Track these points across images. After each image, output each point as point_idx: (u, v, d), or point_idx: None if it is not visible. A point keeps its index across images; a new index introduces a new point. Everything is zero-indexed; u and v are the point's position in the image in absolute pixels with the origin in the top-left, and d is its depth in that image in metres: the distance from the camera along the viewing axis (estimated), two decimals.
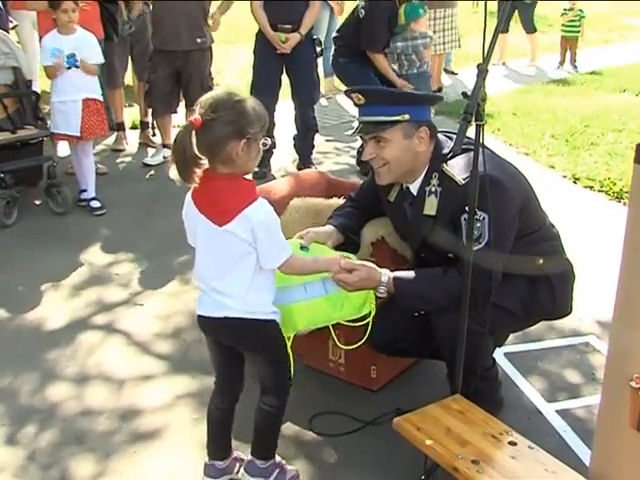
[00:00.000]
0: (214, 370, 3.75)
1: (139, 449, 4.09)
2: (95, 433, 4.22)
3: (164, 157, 8.72)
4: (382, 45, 7.99)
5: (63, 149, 8.53)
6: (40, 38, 8.24)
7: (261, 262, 3.32)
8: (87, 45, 7.22)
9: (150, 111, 8.99)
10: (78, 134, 7.18)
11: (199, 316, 3.55)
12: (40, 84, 9.50)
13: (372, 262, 4.20)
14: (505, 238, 3.69)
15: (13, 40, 7.84)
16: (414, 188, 3.94)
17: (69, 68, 7.12)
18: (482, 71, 3.31)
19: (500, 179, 3.65)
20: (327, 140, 9.67)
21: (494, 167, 3.65)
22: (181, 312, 5.47)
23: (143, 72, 8.78)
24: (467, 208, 3.43)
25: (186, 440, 4.15)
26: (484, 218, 3.56)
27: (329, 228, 4.23)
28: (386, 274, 3.76)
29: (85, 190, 7.54)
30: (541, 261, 3.97)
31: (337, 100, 11.84)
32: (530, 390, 4.55)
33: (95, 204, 7.48)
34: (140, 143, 9.32)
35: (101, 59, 7.41)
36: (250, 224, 3.21)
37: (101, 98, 7.42)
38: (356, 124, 4.00)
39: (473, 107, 3.27)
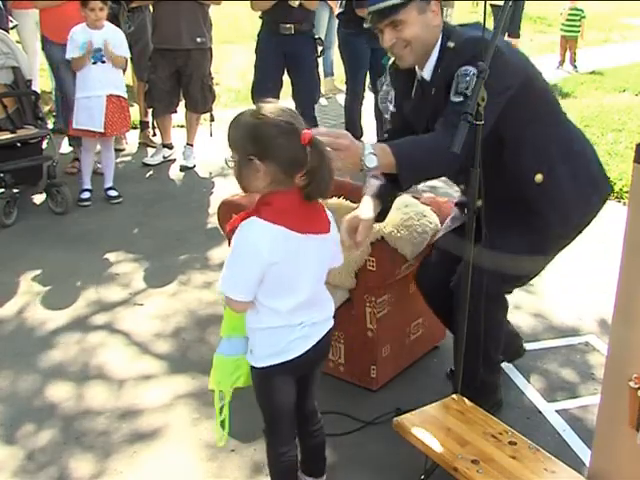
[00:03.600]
0: (283, 415, 3.37)
1: (139, 449, 4.09)
2: (95, 433, 4.22)
3: (164, 157, 8.74)
4: None
5: (64, 145, 8.55)
6: (42, 37, 8.28)
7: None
8: (115, 39, 7.31)
9: (150, 111, 8.99)
10: (102, 130, 7.23)
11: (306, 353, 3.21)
12: (40, 84, 9.52)
13: (372, 262, 4.22)
14: (491, 102, 3.45)
15: (13, 40, 7.84)
16: (427, 73, 3.89)
17: (94, 63, 7.18)
18: (482, 71, 3.31)
19: (503, 50, 3.58)
20: None
21: (501, 43, 3.59)
22: (181, 312, 5.47)
23: (143, 72, 8.79)
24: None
25: (186, 440, 4.15)
26: (473, 74, 3.47)
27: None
28: (369, 143, 3.54)
29: (86, 190, 7.60)
30: (540, 177, 3.84)
31: (337, 100, 11.83)
32: (530, 390, 4.55)
33: (112, 193, 7.64)
34: (140, 143, 9.33)
35: (128, 54, 7.48)
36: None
37: (125, 95, 7.47)
38: (367, 22, 3.93)
39: (473, 107, 3.27)
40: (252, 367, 3.20)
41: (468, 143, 3.28)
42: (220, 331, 3.31)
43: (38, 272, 6.13)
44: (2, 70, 7.61)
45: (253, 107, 2.97)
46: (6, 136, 7.18)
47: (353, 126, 8.71)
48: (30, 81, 7.75)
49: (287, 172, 2.90)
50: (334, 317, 3.35)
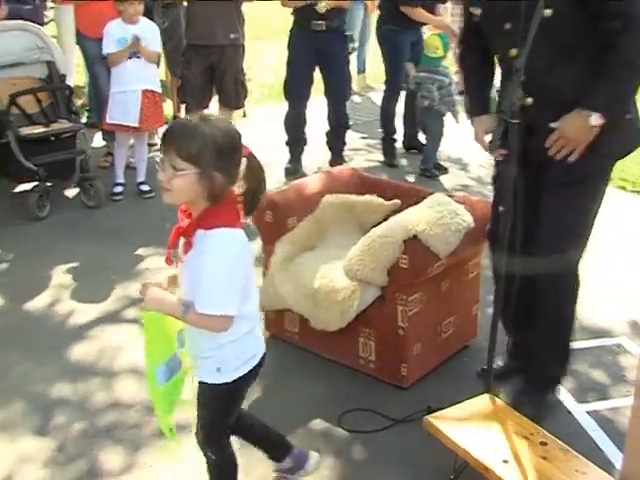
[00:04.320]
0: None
1: (168, 442, 4.09)
2: (125, 426, 4.24)
3: None
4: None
5: (97, 139, 8.58)
6: (77, 32, 8.32)
7: None
8: (150, 34, 7.35)
9: (183, 106, 9.01)
10: (136, 125, 7.28)
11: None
12: (75, 79, 9.56)
13: (404, 260, 4.21)
14: None
15: (48, 34, 7.88)
16: None
17: (130, 58, 7.22)
18: (518, 69, 3.30)
19: None
20: (359, 137, 9.65)
21: None
22: None
23: (176, 67, 8.80)
24: None
25: None
26: None
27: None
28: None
29: (119, 184, 7.64)
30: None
31: (369, 97, 11.81)
32: (561, 390, 4.51)
33: (144, 188, 7.71)
34: None
35: (160, 49, 7.51)
36: None
37: (159, 90, 7.50)
38: None
39: (508, 106, 3.25)
40: (217, 385, 3.09)
41: None
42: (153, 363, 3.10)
43: (70, 265, 6.16)
44: (37, 64, 7.66)
45: (198, 116, 2.85)
46: (40, 130, 7.20)
47: (388, 122, 8.72)
48: (64, 76, 7.77)
49: (232, 184, 2.89)
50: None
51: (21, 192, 7.45)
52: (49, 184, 7.17)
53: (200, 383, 3.16)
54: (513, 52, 3.67)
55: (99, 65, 7.98)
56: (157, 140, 9.03)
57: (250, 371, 3.13)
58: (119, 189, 7.61)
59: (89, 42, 8.10)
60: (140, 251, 6.42)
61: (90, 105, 9.51)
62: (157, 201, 7.49)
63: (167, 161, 2.82)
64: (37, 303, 5.57)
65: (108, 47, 7.31)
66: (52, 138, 7.32)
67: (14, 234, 6.77)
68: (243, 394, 3.26)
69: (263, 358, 3.20)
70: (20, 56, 7.56)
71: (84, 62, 8.86)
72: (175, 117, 9.31)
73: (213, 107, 8.71)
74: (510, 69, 3.51)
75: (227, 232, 2.84)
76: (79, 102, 9.84)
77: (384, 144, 8.87)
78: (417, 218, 4.38)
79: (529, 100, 3.63)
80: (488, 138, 3.97)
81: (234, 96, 8.49)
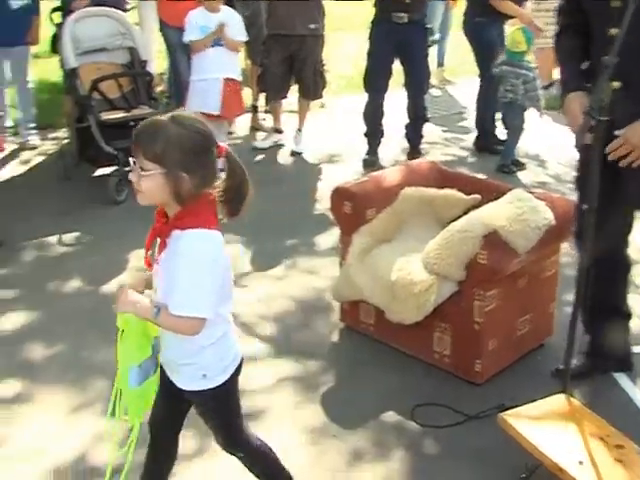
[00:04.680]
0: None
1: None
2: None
3: (274, 142, 8.77)
4: None
5: None
6: (160, 20, 8.40)
7: None
8: (233, 22, 7.39)
9: (262, 95, 9.05)
10: (218, 112, 7.33)
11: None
12: (155, 66, 9.64)
13: (483, 255, 4.17)
14: None
15: (130, 21, 7.96)
16: None
17: (212, 46, 7.27)
18: (607, 65, 3.24)
19: None
20: (436, 130, 9.59)
21: None
22: (285, 296, 5.50)
23: (256, 56, 8.84)
24: None
25: (288, 423, 4.18)
26: None
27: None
28: None
29: None
30: None
31: (448, 91, 11.73)
32: (637, 393, 4.44)
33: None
34: (251, 126, 9.37)
35: (245, 37, 7.54)
36: None
37: (240, 78, 7.55)
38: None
39: (597, 102, 3.20)
40: (205, 392, 3.02)
41: None
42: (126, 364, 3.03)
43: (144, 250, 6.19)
44: (119, 50, 7.76)
45: (168, 115, 2.78)
46: (121, 115, 7.29)
47: (487, 115, 8.66)
48: (145, 62, 7.85)
49: (207, 186, 2.81)
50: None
51: (100, 176, 7.54)
52: (128, 169, 7.21)
53: (186, 392, 3.06)
54: (613, 32, 3.60)
55: (180, 52, 8.07)
56: (234, 128, 9.10)
57: (234, 373, 3.07)
58: None
59: (171, 30, 8.20)
60: None
61: (170, 92, 9.59)
62: None
63: (136, 162, 2.79)
64: (112, 286, 5.63)
65: (191, 35, 7.36)
66: (132, 123, 7.37)
67: (92, 217, 6.87)
68: (236, 393, 3.15)
69: (242, 359, 3.14)
70: (103, 42, 7.69)
71: (166, 49, 8.95)
72: (254, 106, 9.35)
73: (292, 97, 8.74)
74: (600, 65, 3.44)
75: (202, 233, 2.77)
76: (159, 89, 9.93)
77: (478, 142, 8.80)
78: (497, 214, 4.34)
79: (616, 84, 3.58)
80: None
81: (313, 86, 8.51)
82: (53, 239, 6.46)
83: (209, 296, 2.79)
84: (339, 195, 4.86)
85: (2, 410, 4.34)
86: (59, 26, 7.86)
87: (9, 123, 9.04)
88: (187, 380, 3.03)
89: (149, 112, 7.41)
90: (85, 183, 7.60)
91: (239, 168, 2.86)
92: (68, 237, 6.50)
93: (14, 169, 8.10)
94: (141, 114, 7.36)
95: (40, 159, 8.40)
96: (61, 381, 4.59)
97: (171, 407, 3.23)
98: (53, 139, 8.95)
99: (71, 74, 7.51)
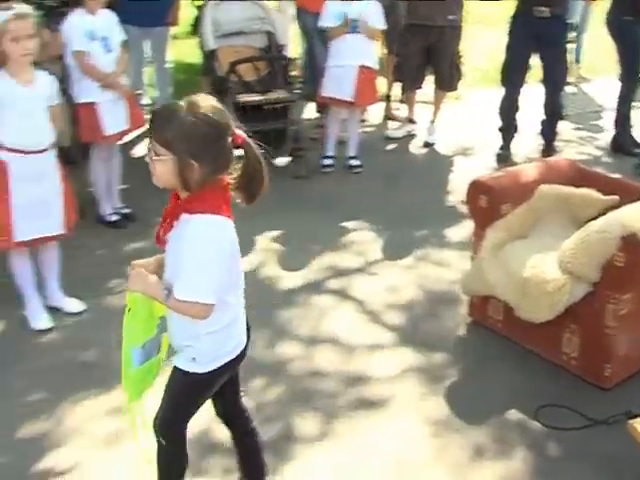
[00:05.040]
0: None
1: (362, 416, 4.12)
2: (321, 394, 4.29)
3: (407, 131, 8.73)
4: None
5: (310, 111, 8.69)
6: (297, 6, 8.44)
7: None
8: (373, 11, 7.37)
9: (396, 85, 9.02)
10: (351, 99, 7.34)
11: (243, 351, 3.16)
12: (290, 51, 9.69)
13: (620, 258, 4.06)
14: None
15: (269, 6, 8.02)
16: None
17: (350, 33, 7.28)
18: None
19: None
20: (571, 128, 9.40)
21: None
22: (414, 286, 5.47)
23: (393, 45, 8.80)
24: None
25: (411, 413, 4.16)
26: None
27: None
28: None
29: (329, 157, 7.70)
30: None
31: (583, 89, 11.49)
32: None
33: (354, 162, 7.71)
34: (384, 116, 9.34)
35: (384, 25, 7.52)
36: None
37: (376, 66, 7.54)
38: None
39: None
40: (189, 374, 3.01)
41: None
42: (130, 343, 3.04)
43: (276, 231, 6.29)
44: (257, 34, 7.83)
45: (186, 100, 2.77)
46: (257, 98, 7.34)
47: (626, 116, 8.47)
48: (283, 46, 7.90)
49: (218, 173, 2.81)
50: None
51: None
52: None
53: (174, 368, 3.06)
54: None
55: (317, 38, 8.08)
56: (367, 116, 9.08)
57: (226, 364, 3.04)
58: (329, 162, 7.68)
59: (308, 16, 8.21)
60: (346, 224, 6.46)
61: (304, 77, 9.63)
62: (365, 176, 7.53)
63: (151, 145, 2.79)
64: (244, 266, 5.67)
65: (326, 21, 7.37)
66: (267, 107, 7.44)
67: None
68: (213, 387, 3.12)
69: (243, 353, 3.11)
70: (243, 25, 7.78)
71: (301, 34, 8.98)
72: (388, 95, 9.31)
73: (427, 88, 8.68)
74: None
75: (209, 219, 2.77)
76: (293, 73, 9.98)
77: (615, 142, 8.59)
78: (637, 216, 4.22)
79: None
80: None
81: (448, 78, 8.45)
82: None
83: (212, 282, 2.80)
84: (475, 188, 4.81)
85: None
86: (200, 8, 7.97)
87: (147, 101, 9.20)
88: (181, 360, 3.04)
89: (284, 96, 7.48)
90: None
91: (254, 157, 2.88)
92: None
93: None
94: (277, 98, 7.44)
95: None
96: None
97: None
98: None
99: (210, 55, 7.63)
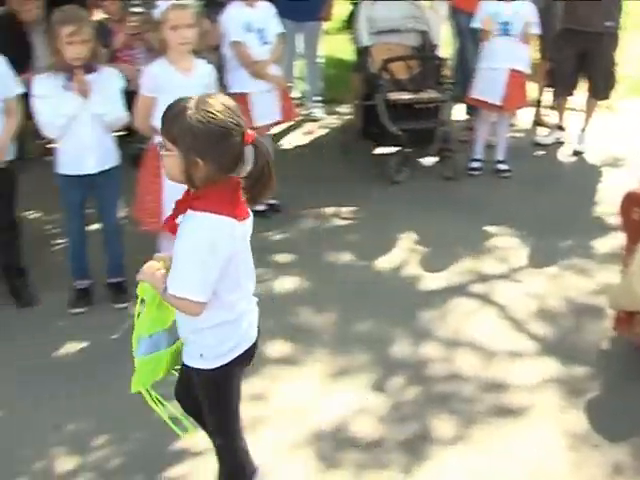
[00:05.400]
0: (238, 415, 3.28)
1: (500, 423, 4.07)
2: (458, 398, 4.26)
3: (556, 139, 8.57)
4: None
5: (460, 112, 8.63)
6: (452, 5, 8.38)
7: None
8: (527, 12, 7.28)
9: (547, 90, 8.87)
10: (499, 102, 7.26)
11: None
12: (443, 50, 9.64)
13: None
14: None
15: (425, 5, 7.99)
16: None
17: (501, 35, 7.21)
18: None
19: None
20: None
21: None
22: (558, 296, 5.35)
23: (547, 50, 8.65)
24: None
25: (549, 424, 4.08)
26: None
27: None
28: None
29: (477, 160, 7.62)
30: None
31: None
32: None
33: (502, 167, 7.62)
34: (534, 121, 9.20)
35: (538, 30, 7.44)
36: None
37: (528, 71, 7.45)
38: None
39: None
40: (202, 371, 3.06)
41: None
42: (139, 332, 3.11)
43: (419, 231, 6.25)
44: (411, 33, 7.83)
45: (197, 98, 2.78)
46: (408, 97, 7.32)
47: None
48: (436, 46, 7.88)
49: (226, 172, 2.81)
50: None
51: (379, 154, 7.62)
52: (409, 150, 7.28)
53: (186, 367, 3.13)
54: None
55: (469, 38, 8.00)
56: (517, 121, 8.96)
57: (234, 360, 3.05)
58: (477, 164, 7.60)
59: (462, 15, 8.14)
60: (490, 228, 6.37)
61: (455, 78, 9.55)
62: (513, 181, 7.43)
63: (162, 139, 2.84)
64: (385, 263, 5.71)
65: (477, 21, 7.30)
66: (417, 106, 7.41)
67: (368, 194, 6.99)
68: (230, 384, 3.14)
69: (250, 350, 3.12)
70: (398, 23, 7.79)
71: (453, 34, 8.91)
72: (538, 100, 9.17)
73: (579, 95, 8.51)
74: None
75: (206, 217, 2.78)
76: (444, 73, 9.93)
77: None
78: None
79: None
80: None
81: (602, 86, 8.25)
82: (329, 210, 6.62)
83: (202, 280, 2.83)
84: (630, 200, 4.68)
85: (268, 368, 4.50)
86: (356, 4, 8.00)
87: (296, 94, 9.29)
88: (188, 356, 3.09)
89: (436, 97, 7.45)
90: (363, 160, 7.71)
91: (262, 157, 2.83)
92: (343, 210, 6.63)
93: (298, 138, 8.35)
94: (428, 98, 7.42)
95: (322, 132, 8.62)
96: (324, 348, 4.72)
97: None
98: (336, 114, 9.16)
99: (363, 52, 7.66)
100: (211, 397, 3.16)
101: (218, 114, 2.74)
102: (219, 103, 2.78)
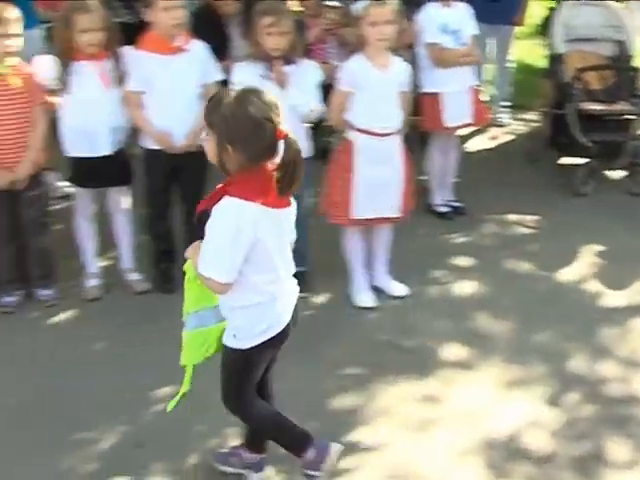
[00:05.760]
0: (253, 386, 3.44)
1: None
2: (636, 421, 4.16)
3: None
4: None
5: None
6: None
7: None
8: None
9: None
10: None
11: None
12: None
13: None
14: None
15: (624, 13, 7.79)
16: None
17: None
18: None
19: None
20: None
21: None
22: None
23: None
24: None
25: None
26: None
27: None
28: None
29: None
30: None
31: None
32: None
33: None
34: None
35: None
36: None
37: None
38: None
39: None
40: (234, 350, 3.23)
41: None
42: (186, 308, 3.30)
43: (602, 246, 6.10)
44: (608, 42, 7.63)
45: (238, 90, 3.05)
46: (600, 107, 7.16)
47: None
48: (631, 57, 7.66)
49: (256, 162, 3.00)
50: None
51: (566, 165, 7.47)
52: (599, 162, 7.11)
53: (225, 347, 3.29)
54: None
55: None
56: None
57: (264, 343, 3.20)
58: None
59: None
60: None
61: None
62: None
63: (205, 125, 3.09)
64: (566, 275, 5.62)
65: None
66: (608, 117, 7.25)
67: (553, 204, 6.82)
68: (257, 364, 3.32)
69: (282, 334, 3.26)
70: (595, 32, 7.60)
71: None
72: None
73: None
74: None
75: (233, 202, 2.96)
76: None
77: None
78: None
79: None
80: None
81: None
82: (513, 217, 6.54)
83: (225, 262, 3.01)
84: None
85: (443, 370, 4.53)
86: (552, 10, 7.88)
87: (484, 98, 9.21)
88: (225, 335, 3.28)
89: (629, 109, 7.24)
90: (550, 168, 7.55)
91: (293, 152, 2.99)
92: (527, 219, 6.53)
93: (483, 143, 8.27)
94: (621, 110, 7.22)
95: (508, 138, 8.51)
96: (501, 355, 4.71)
97: None
98: (523, 120, 9.01)
99: (557, 59, 7.51)
100: (234, 374, 3.33)
101: (250, 107, 2.95)
102: (256, 98, 3.00)
